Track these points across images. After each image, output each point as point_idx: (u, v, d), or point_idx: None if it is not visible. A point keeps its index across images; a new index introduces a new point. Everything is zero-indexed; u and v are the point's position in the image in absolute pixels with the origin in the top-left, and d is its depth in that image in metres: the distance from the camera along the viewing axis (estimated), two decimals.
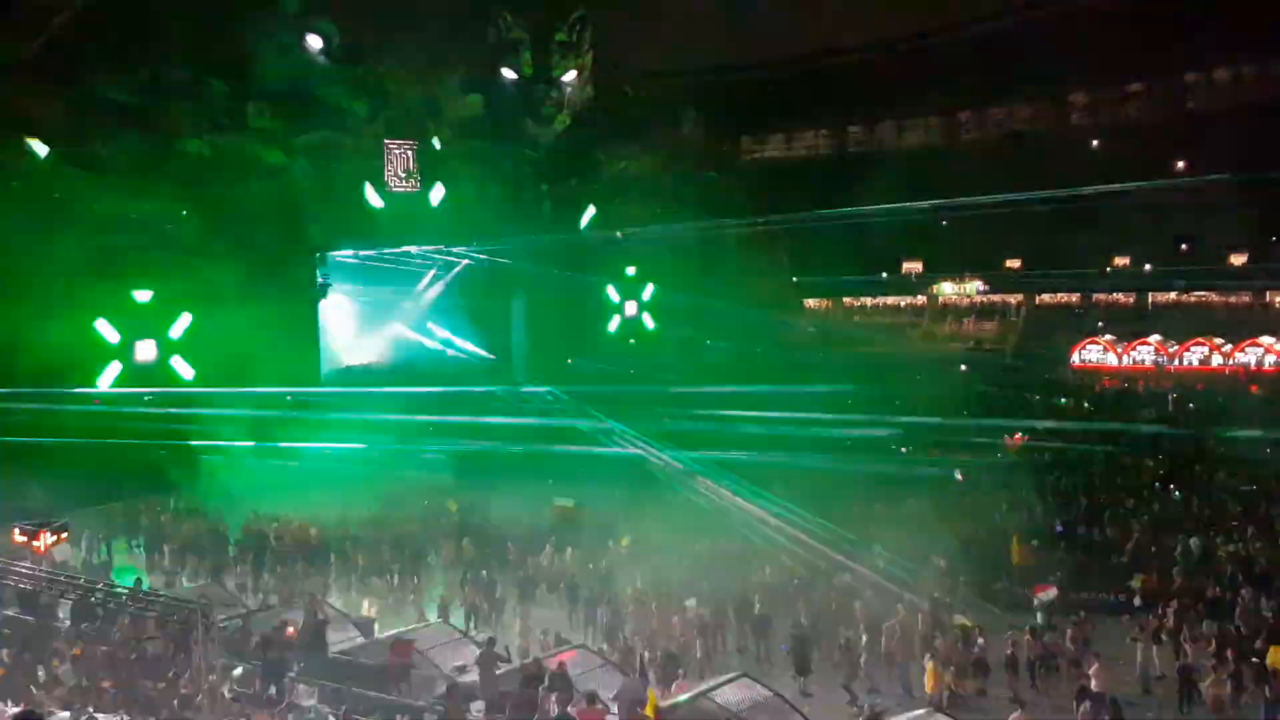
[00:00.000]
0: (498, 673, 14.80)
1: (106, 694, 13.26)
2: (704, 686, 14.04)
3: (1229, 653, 15.97)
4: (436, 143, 43.94)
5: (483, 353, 45.58)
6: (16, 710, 13.45)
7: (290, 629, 16.62)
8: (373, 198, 41.93)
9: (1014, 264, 65.77)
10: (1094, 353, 54.17)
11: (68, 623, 16.46)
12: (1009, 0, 67.21)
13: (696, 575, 20.38)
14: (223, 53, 37.06)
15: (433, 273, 44.92)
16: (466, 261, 44.55)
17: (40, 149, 32.75)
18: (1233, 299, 60.04)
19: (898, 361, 54.06)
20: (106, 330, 33.40)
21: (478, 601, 20.34)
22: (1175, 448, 32.52)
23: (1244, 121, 56.47)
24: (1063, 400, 42.02)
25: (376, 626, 18.21)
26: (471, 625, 19.53)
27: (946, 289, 69.18)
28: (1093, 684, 15.08)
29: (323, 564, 23.46)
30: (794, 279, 63.56)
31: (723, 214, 50.69)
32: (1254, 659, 15.73)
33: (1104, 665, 15.66)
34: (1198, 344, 52.12)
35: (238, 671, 14.27)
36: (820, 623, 18.28)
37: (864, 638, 17.30)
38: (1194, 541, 22.28)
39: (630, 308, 54.52)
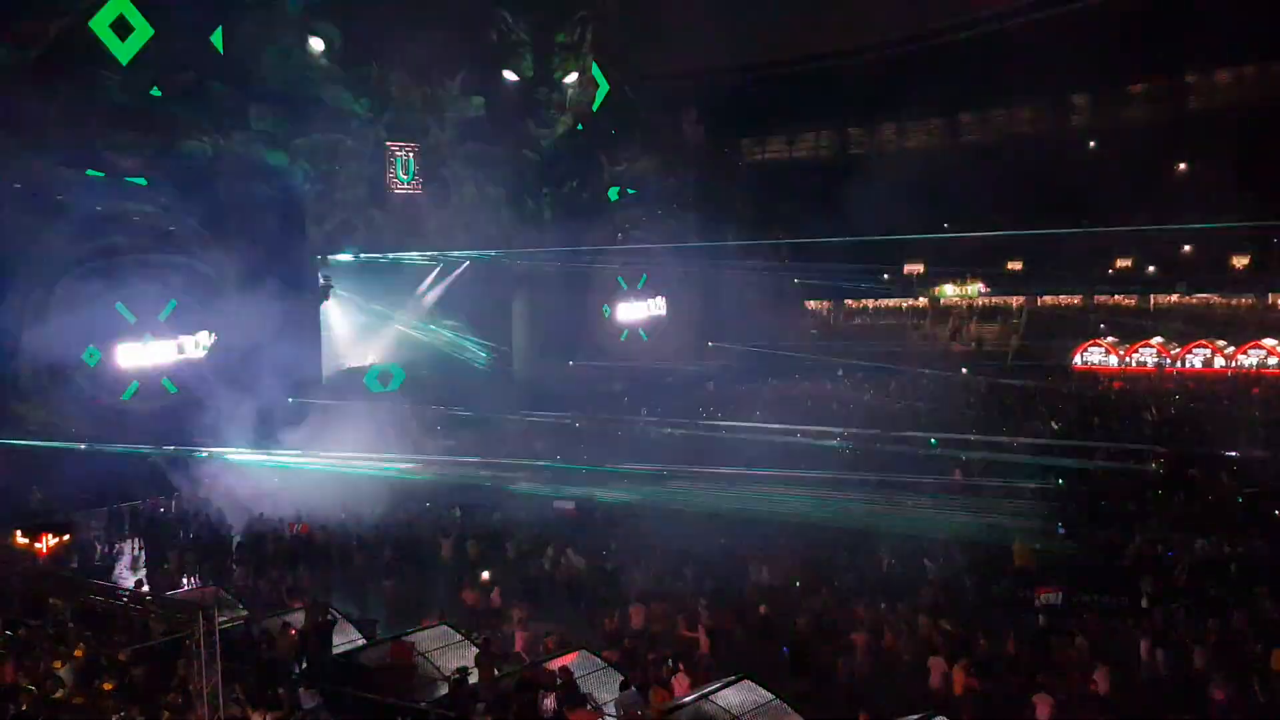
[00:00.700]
0: (497, 674, 14.78)
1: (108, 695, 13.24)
2: (705, 689, 14.00)
3: (1233, 655, 15.88)
4: (437, 144, 43.95)
5: (483, 353, 45.48)
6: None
7: (292, 631, 16.62)
8: (374, 199, 41.83)
9: (1015, 266, 65.84)
10: (1095, 355, 54.11)
11: None
12: (1009, 1, 67.14)
13: (698, 576, 20.29)
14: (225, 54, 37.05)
15: (435, 273, 44.92)
16: (467, 263, 44.59)
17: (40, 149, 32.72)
18: (1234, 301, 60.05)
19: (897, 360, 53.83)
20: (107, 330, 33.28)
21: (479, 603, 20.26)
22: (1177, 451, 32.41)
23: (1244, 121, 56.40)
24: (1059, 408, 41.87)
25: (378, 628, 18.21)
26: (472, 627, 19.48)
27: (948, 291, 69.18)
28: (1097, 686, 15.01)
29: (324, 566, 23.42)
30: (794, 280, 63.46)
31: (723, 215, 50.68)
32: (1258, 662, 15.65)
33: (1108, 667, 15.57)
34: (1199, 346, 52.07)
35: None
36: (821, 624, 18.18)
37: (865, 639, 17.22)
38: (1198, 543, 22.18)
39: (631, 309, 54.52)
